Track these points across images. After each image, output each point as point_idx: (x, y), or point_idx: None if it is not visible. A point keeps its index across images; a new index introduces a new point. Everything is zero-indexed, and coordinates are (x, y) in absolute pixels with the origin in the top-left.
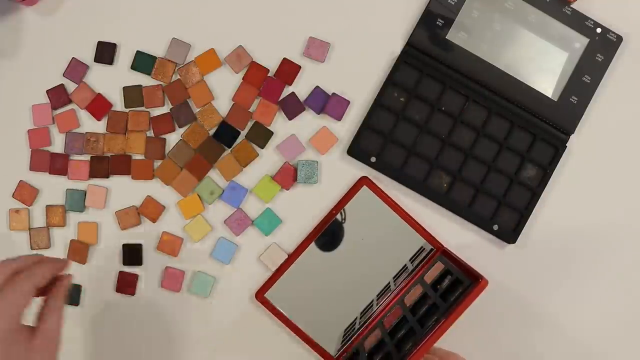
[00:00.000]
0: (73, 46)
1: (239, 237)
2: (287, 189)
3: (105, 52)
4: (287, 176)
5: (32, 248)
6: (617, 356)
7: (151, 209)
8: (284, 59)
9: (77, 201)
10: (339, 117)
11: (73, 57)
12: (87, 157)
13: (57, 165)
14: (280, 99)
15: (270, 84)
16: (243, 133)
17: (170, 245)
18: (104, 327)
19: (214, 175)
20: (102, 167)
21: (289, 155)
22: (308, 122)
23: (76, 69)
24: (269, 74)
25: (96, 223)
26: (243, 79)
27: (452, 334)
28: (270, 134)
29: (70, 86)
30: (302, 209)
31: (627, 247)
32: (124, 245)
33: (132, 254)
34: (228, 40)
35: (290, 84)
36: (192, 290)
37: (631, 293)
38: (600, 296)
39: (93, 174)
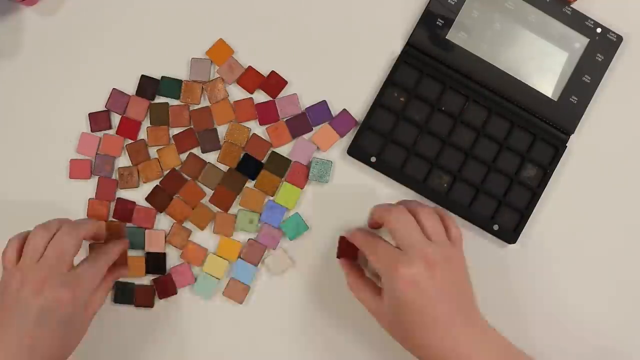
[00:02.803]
0: (73, 47)
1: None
2: (303, 188)
3: (148, 87)
4: (301, 175)
5: None
6: (618, 355)
7: (193, 253)
8: (272, 72)
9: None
10: (342, 134)
11: (114, 88)
12: (147, 205)
13: (121, 211)
14: (289, 117)
15: (263, 109)
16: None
17: (194, 254)
18: (102, 328)
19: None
20: (162, 200)
21: (304, 157)
22: None
23: (118, 100)
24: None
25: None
26: (237, 82)
27: None
28: (288, 162)
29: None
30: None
31: (627, 246)
32: (147, 254)
33: (156, 262)
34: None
35: (274, 97)
36: (194, 291)
37: (632, 293)
38: (601, 296)
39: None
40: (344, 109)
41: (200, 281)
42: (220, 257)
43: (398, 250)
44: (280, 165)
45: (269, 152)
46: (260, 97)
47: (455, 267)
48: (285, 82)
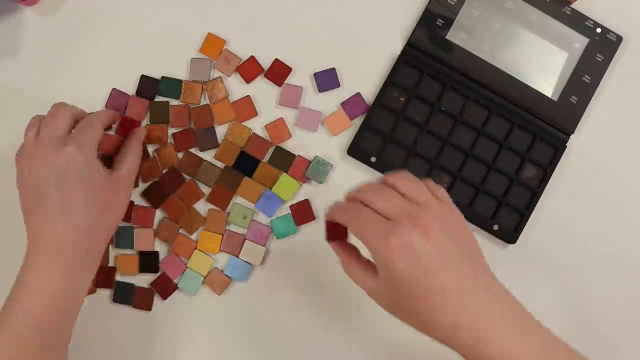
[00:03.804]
0: (73, 47)
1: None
2: (304, 183)
3: (148, 87)
4: (302, 169)
5: None
6: (618, 355)
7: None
8: (276, 59)
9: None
10: (352, 117)
11: (114, 88)
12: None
13: None
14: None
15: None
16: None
17: (184, 247)
18: (101, 327)
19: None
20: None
21: (311, 125)
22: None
23: (118, 100)
24: (263, 74)
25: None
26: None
27: None
28: (292, 157)
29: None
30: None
31: (627, 246)
32: (140, 252)
33: (148, 261)
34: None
35: (280, 85)
36: (179, 286)
37: (632, 293)
38: (601, 296)
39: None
40: (358, 93)
41: (185, 277)
42: (202, 251)
43: (385, 220)
44: (284, 159)
45: (273, 147)
46: (262, 86)
47: (454, 226)
48: (290, 69)
